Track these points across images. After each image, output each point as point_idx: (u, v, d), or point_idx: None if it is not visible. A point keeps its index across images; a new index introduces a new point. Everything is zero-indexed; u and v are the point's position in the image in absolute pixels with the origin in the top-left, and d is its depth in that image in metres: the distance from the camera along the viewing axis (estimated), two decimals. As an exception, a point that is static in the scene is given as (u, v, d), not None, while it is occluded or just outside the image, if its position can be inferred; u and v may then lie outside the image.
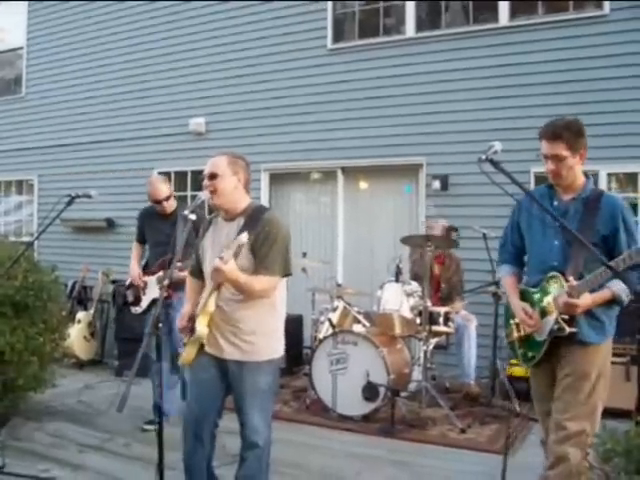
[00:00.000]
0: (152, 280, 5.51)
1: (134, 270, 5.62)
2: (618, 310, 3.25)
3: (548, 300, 3.21)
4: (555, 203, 3.29)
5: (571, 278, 3.06)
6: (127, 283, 5.74)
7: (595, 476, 2.10)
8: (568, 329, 3.11)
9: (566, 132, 3.16)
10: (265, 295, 3.39)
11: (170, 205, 5.54)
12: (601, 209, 3.17)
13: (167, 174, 9.39)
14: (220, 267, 3.10)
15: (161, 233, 5.42)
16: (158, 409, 3.34)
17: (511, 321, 3.47)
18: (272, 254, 3.35)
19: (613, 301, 3.12)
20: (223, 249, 3.21)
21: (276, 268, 3.37)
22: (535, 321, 3.25)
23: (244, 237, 3.12)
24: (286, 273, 3.46)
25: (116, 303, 8.09)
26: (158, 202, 5.44)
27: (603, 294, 3.08)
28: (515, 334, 3.43)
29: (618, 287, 3.06)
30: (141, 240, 5.77)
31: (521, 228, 3.49)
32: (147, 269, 5.62)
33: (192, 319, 3.43)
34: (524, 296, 3.41)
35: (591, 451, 2.12)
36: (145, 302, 5.57)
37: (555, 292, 3.18)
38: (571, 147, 3.17)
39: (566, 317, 3.11)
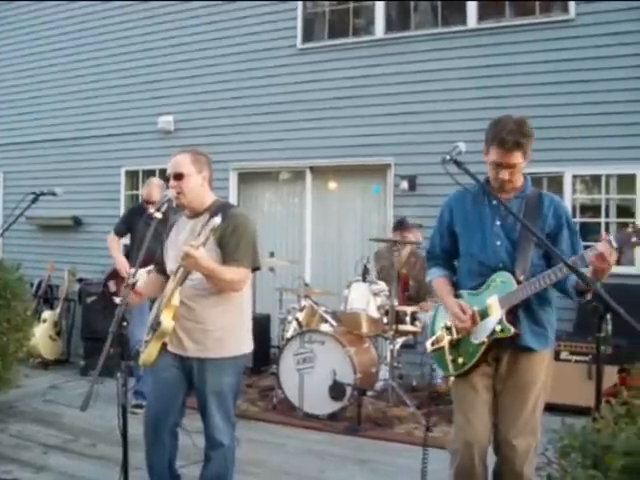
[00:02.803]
0: (142, 272, 5.34)
1: (122, 261, 5.57)
2: (556, 317, 3.16)
3: (491, 300, 3.02)
4: (494, 202, 3.08)
5: (521, 277, 2.95)
6: (108, 273, 5.69)
7: (554, 471, 2.13)
8: (513, 329, 2.95)
9: (524, 139, 2.93)
10: (236, 287, 3.36)
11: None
12: (543, 209, 3.06)
13: (135, 172, 9.42)
14: (191, 252, 3.04)
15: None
16: (123, 409, 3.31)
17: (441, 323, 3.25)
18: (241, 247, 3.33)
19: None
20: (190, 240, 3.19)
21: (246, 260, 3.35)
22: (469, 317, 3.03)
23: (217, 220, 3.07)
24: (255, 266, 3.46)
25: (82, 300, 7.97)
26: (148, 203, 5.50)
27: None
28: (446, 338, 3.18)
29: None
30: (121, 233, 5.74)
31: (455, 231, 3.28)
32: (130, 260, 5.60)
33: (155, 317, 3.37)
34: (461, 299, 3.18)
35: (549, 447, 2.16)
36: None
37: (502, 290, 3.00)
38: (525, 153, 2.98)
39: (510, 318, 2.96)
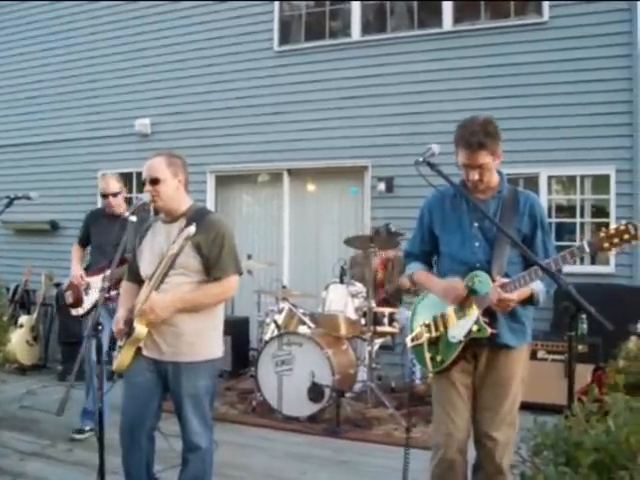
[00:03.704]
0: (97, 280, 5.28)
1: (76, 270, 5.42)
2: (533, 311, 3.21)
3: (469, 300, 3.06)
4: (471, 204, 3.11)
5: (498, 277, 2.97)
6: (66, 284, 5.56)
7: (527, 469, 2.16)
8: (490, 330, 2.99)
9: (487, 139, 2.95)
10: (224, 297, 3.44)
11: (118, 204, 5.37)
12: (519, 208, 3.09)
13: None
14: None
15: (108, 234, 5.21)
16: (99, 413, 3.29)
17: (420, 321, 3.29)
18: (224, 255, 3.36)
19: (530, 301, 3.04)
20: (163, 249, 3.20)
21: (231, 269, 3.39)
22: (461, 289, 3.05)
23: (192, 229, 3.11)
24: (239, 272, 3.48)
25: (57, 306, 7.94)
26: (105, 196, 5.31)
27: (524, 292, 2.97)
28: (425, 335, 3.22)
29: (539, 288, 3.01)
30: (83, 243, 5.61)
31: (434, 231, 3.31)
32: (89, 271, 5.45)
33: (128, 323, 3.39)
34: (432, 300, 3.25)
35: (522, 445, 2.19)
36: (88, 303, 5.36)
37: (479, 290, 3.03)
38: (493, 152, 3.00)
39: (486, 320, 3.00)
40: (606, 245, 2.71)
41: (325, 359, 5.65)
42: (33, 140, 10.29)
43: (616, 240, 2.69)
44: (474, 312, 3.02)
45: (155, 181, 3.39)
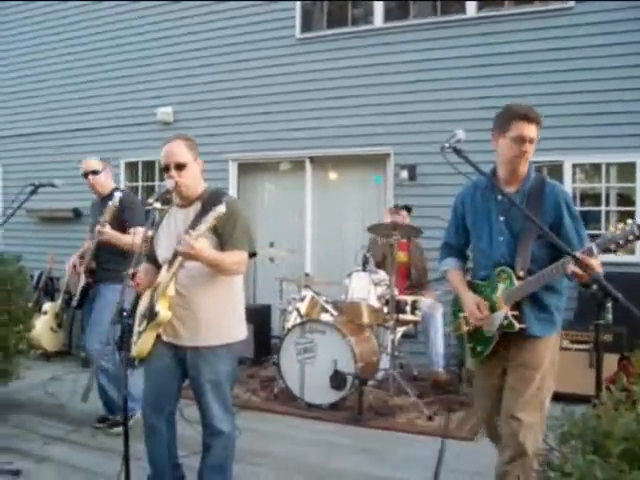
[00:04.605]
0: (81, 270, 5.14)
1: (73, 258, 5.26)
2: (565, 301, 3.28)
3: (497, 295, 3.19)
4: (499, 198, 3.22)
5: (521, 272, 3.08)
6: (67, 276, 5.45)
7: (553, 457, 2.14)
8: (518, 325, 3.11)
9: (539, 117, 3.17)
10: (239, 270, 3.40)
11: (99, 183, 5.21)
12: (545, 200, 3.15)
13: (134, 164, 9.41)
14: (192, 244, 3.07)
15: (96, 217, 5.04)
16: (124, 400, 3.30)
17: (460, 314, 3.42)
18: (237, 233, 3.36)
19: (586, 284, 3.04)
20: (187, 232, 3.18)
21: (243, 245, 3.38)
22: (484, 316, 3.21)
23: (222, 208, 3.08)
24: (252, 252, 3.47)
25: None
26: (85, 175, 5.18)
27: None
28: (464, 327, 3.38)
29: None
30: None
31: (466, 224, 3.44)
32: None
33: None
34: (473, 289, 3.37)
35: (549, 433, 2.17)
36: (77, 293, 5.17)
37: (504, 287, 3.16)
38: (538, 131, 3.17)
39: (515, 313, 3.11)
40: (612, 247, 2.76)
41: (348, 347, 5.64)
42: (56, 129, 10.35)
43: (621, 241, 2.72)
44: (503, 308, 3.14)
45: (181, 166, 3.39)
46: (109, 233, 4.76)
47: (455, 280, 3.49)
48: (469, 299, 3.31)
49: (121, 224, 4.91)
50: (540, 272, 3.00)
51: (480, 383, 3.46)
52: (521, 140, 3.11)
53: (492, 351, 3.25)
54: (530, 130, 3.11)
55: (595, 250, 2.77)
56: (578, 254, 2.74)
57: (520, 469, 3.04)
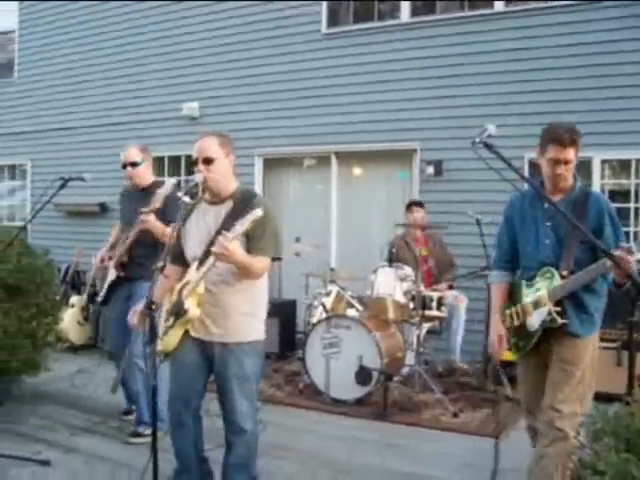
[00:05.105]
0: (111, 264, 4.97)
1: (101, 251, 5.11)
2: (604, 303, 3.41)
3: (542, 293, 3.31)
4: (546, 205, 3.39)
5: (565, 272, 3.23)
6: (94, 270, 5.28)
7: (585, 455, 2.12)
8: (560, 320, 3.23)
9: (577, 137, 3.28)
10: (260, 275, 3.42)
11: (138, 175, 4.95)
12: (589, 209, 3.31)
13: (161, 159, 9.44)
14: (227, 245, 3.06)
15: (133, 210, 4.81)
16: (153, 390, 3.31)
17: (507, 311, 3.55)
18: (267, 237, 3.36)
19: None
20: (222, 233, 3.17)
21: (269, 251, 3.39)
22: (502, 350, 3.51)
23: (259, 212, 3.09)
24: (277, 256, 3.47)
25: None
26: (124, 166, 4.96)
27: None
28: (508, 323, 3.53)
29: None
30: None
31: (515, 229, 3.59)
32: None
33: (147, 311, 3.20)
34: (515, 289, 3.54)
35: (581, 430, 2.16)
36: (104, 288, 5.00)
37: (549, 285, 3.29)
38: (577, 152, 3.30)
39: (558, 309, 3.24)
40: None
41: (373, 342, 5.63)
42: (83, 124, 10.43)
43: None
44: (546, 304, 3.27)
45: (209, 161, 3.39)
46: (152, 222, 4.54)
47: (493, 298, 3.71)
48: (494, 328, 3.57)
49: (160, 217, 4.65)
50: (583, 270, 3.17)
51: (522, 376, 3.64)
52: (555, 163, 3.29)
53: (534, 347, 3.39)
54: (565, 153, 3.26)
55: (635, 248, 2.91)
56: (618, 251, 2.88)
57: (559, 453, 3.13)
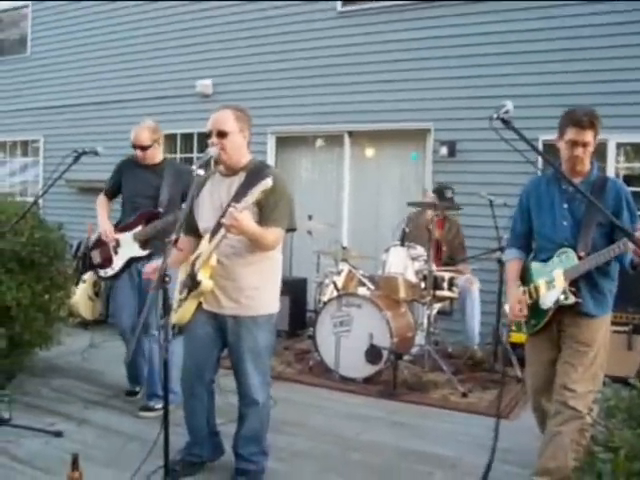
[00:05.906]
0: (127, 237, 4.89)
1: (105, 225, 4.94)
2: (616, 286, 3.48)
3: (557, 272, 3.38)
4: (564, 187, 3.45)
5: (582, 253, 3.29)
6: (92, 242, 5.17)
7: (598, 432, 2.13)
8: (574, 298, 3.30)
9: (596, 121, 3.30)
10: (274, 247, 3.42)
11: (150, 156, 4.95)
12: (607, 193, 3.37)
13: (173, 136, 9.43)
14: (237, 216, 3.06)
15: (144, 183, 4.87)
16: (164, 363, 3.32)
17: (520, 288, 3.59)
18: (279, 207, 3.36)
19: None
20: (232, 204, 3.17)
21: (282, 222, 3.39)
22: (523, 315, 3.51)
23: (269, 182, 3.09)
24: (291, 227, 3.48)
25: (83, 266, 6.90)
26: (134, 148, 4.95)
27: None
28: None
29: None
30: (110, 194, 5.22)
31: (531, 211, 3.63)
32: (119, 226, 5.00)
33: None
34: (528, 271, 3.60)
35: (594, 406, 2.18)
36: (119, 262, 4.93)
37: (565, 265, 3.35)
38: (595, 136, 3.34)
39: (573, 289, 3.32)
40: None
41: (384, 321, 5.64)
42: (94, 100, 10.42)
43: None
44: (562, 283, 3.35)
45: (222, 134, 3.39)
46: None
47: (509, 272, 3.74)
48: (513, 295, 3.58)
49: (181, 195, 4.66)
50: (604, 249, 3.21)
51: (531, 356, 3.69)
52: (573, 144, 3.33)
53: (544, 326, 3.47)
54: (583, 135, 3.30)
55: None
56: (638, 232, 2.89)
57: (574, 431, 3.21)
